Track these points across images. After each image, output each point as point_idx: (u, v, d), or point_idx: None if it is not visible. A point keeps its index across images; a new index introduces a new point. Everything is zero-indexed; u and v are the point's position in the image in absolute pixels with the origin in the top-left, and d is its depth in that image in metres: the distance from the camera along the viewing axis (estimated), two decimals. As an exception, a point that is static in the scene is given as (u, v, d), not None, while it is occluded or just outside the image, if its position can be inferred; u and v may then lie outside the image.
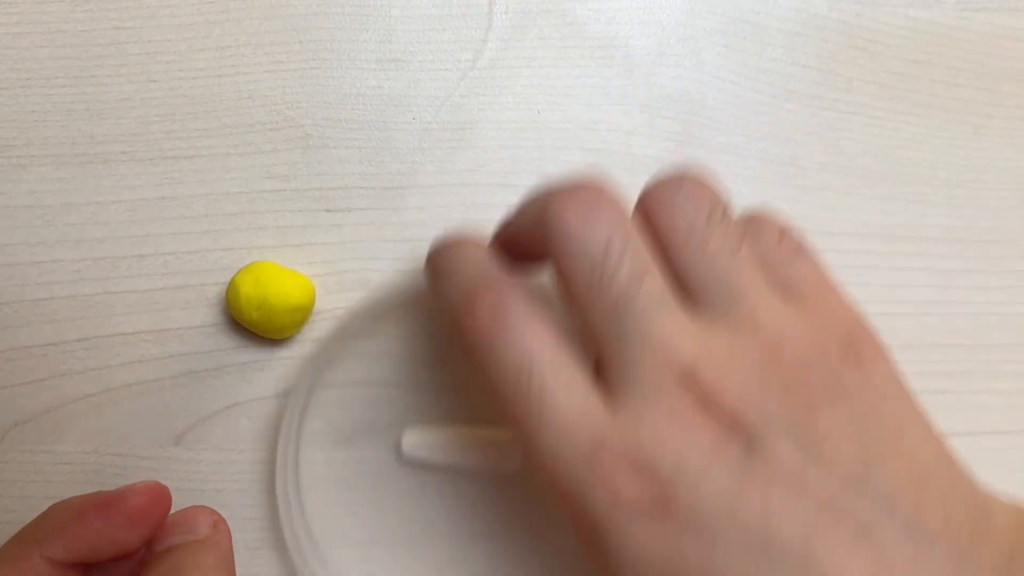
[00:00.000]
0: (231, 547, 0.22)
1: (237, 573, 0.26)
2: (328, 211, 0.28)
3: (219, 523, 0.22)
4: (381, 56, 0.28)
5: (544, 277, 0.24)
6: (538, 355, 0.18)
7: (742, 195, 0.29)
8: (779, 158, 0.29)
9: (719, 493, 0.16)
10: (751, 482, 0.17)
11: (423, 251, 0.28)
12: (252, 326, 0.26)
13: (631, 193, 0.29)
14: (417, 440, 0.27)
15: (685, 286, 0.19)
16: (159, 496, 0.22)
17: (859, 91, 0.30)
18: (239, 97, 0.28)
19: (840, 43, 0.30)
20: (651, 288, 0.18)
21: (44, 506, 0.22)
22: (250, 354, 0.27)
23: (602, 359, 0.18)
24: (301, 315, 0.26)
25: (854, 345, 0.19)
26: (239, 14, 0.28)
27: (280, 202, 0.28)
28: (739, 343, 0.18)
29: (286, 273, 0.26)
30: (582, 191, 0.19)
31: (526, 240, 0.21)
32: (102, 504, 0.21)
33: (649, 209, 0.20)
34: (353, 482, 0.27)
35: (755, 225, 0.21)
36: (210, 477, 0.27)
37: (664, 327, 0.18)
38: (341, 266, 0.28)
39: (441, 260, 0.22)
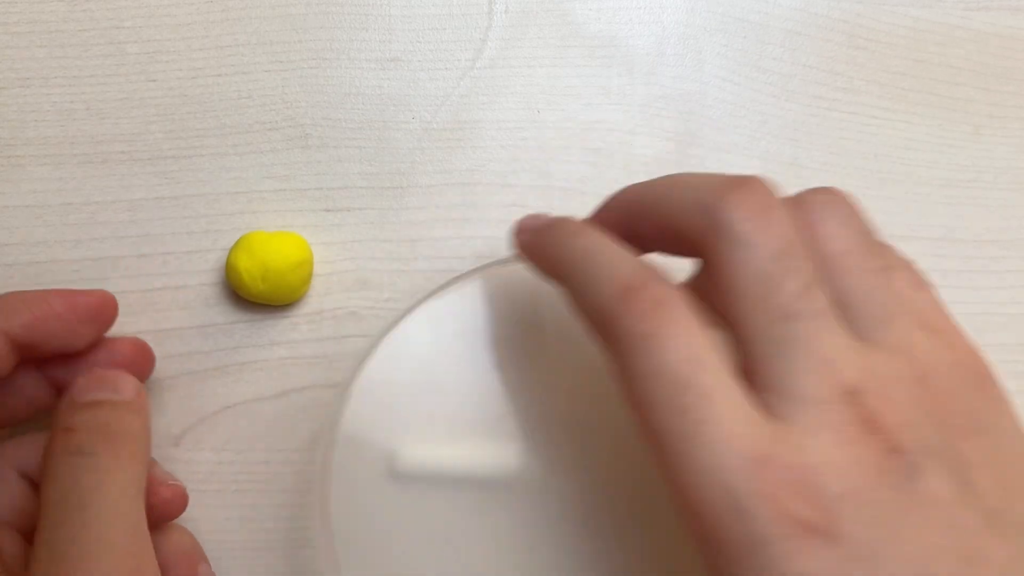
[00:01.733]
0: (149, 416, 0.23)
1: (239, 573, 0.26)
2: (328, 211, 0.28)
3: (142, 392, 0.23)
4: (381, 56, 0.28)
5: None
6: (702, 360, 0.17)
7: (742, 195, 0.29)
8: (780, 158, 0.29)
9: (883, 520, 0.16)
10: (911, 511, 0.16)
11: (424, 250, 0.28)
12: (263, 298, 0.26)
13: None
14: (410, 458, 0.27)
15: (842, 305, 0.19)
16: (110, 301, 0.24)
17: (859, 91, 0.30)
18: (239, 97, 0.28)
19: (841, 43, 0.30)
20: (818, 302, 0.18)
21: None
22: (250, 354, 0.27)
23: (758, 368, 0.18)
24: (305, 269, 0.26)
25: (984, 381, 0.19)
26: (238, 13, 0.28)
27: (280, 202, 0.28)
28: (895, 367, 0.18)
29: (276, 235, 0.26)
30: (756, 190, 0.19)
31: (667, 225, 0.20)
32: (64, 292, 0.23)
33: (805, 224, 0.20)
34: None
35: (889, 254, 0.21)
36: (210, 477, 0.27)
37: (830, 343, 0.17)
38: (341, 266, 0.28)
39: (568, 245, 0.20)
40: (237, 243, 0.26)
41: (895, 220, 0.29)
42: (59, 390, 0.23)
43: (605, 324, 0.18)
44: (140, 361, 0.25)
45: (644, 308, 0.17)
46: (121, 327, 0.27)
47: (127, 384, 0.23)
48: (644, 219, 0.21)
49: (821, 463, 0.16)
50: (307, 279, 0.27)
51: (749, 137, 0.29)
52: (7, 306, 0.22)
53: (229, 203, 0.28)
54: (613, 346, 0.18)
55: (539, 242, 0.22)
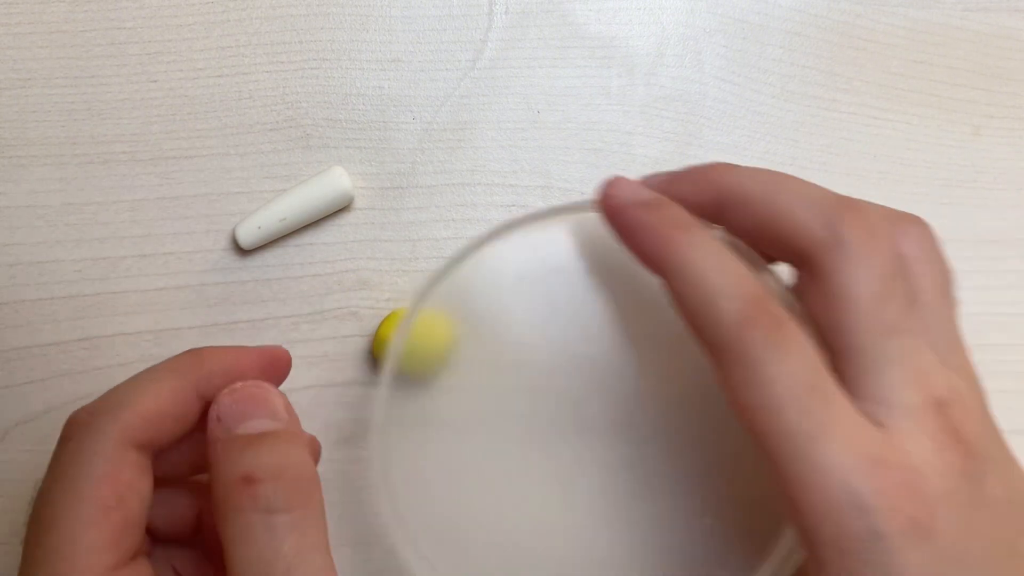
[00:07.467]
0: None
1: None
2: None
3: (289, 406, 0.21)
4: (381, 56, 0.28)
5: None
6: (821, 369, 0.19)
7: (742, 195, 0.29)
8: (779, 158, 0.29)
9: (969, 521, 0.18)
10: (982, 509, 0.19)
11: (424, 250, 0.28)
12: (409, 373, 0.26)
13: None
14: (250, 229, 0.26)
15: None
16: (286, 356, 0.22)
17: (859, 91, 0.30)
18: (239, 97, 0.28)
19: (840, 43, 0.30)
20: (917, 322, 0.20)
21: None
22: (250, 354, 0.27)
23: (860, 378, 0.19)
24: (450, 349, 0.26)
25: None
26: (239, 14, 0.28)
27: (280, 202, 0.28)
28: (967, 384, 0.20)
29: (428, 316, 0.26)
30: (868, 213, 0.20)
31: (775, 228, 0.21)
32: (249, 351, 0.21)
33: (901, 251, 0.21)
34: (352, 482, 0.27)
35: (952, 289, 0.22)
36: (210, 477, 0.27)
37: (925, 359, 0.20)
38: (341, 266, 0.28)
39: (677, 246, 0.21)
40: (387, 319, 0.27)
41: (895, 220, 0.29)
42: None
43: (723, 336, 0.19)
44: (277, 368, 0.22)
45: (770, 323, 0.19)
46: (122, 327, 0.27)
47: (277, 402, 0.20)
48: (741, 211, 0.21)
49: (923, 466, 0.18)
50: (449, 357, 0.27)
51: (749, 137, 0.29)
52: (204, 366, 0.21)
53: (230, 203, 0.28)
54: (729, 355, 0.19)
55: (637, 224, 0.22)
